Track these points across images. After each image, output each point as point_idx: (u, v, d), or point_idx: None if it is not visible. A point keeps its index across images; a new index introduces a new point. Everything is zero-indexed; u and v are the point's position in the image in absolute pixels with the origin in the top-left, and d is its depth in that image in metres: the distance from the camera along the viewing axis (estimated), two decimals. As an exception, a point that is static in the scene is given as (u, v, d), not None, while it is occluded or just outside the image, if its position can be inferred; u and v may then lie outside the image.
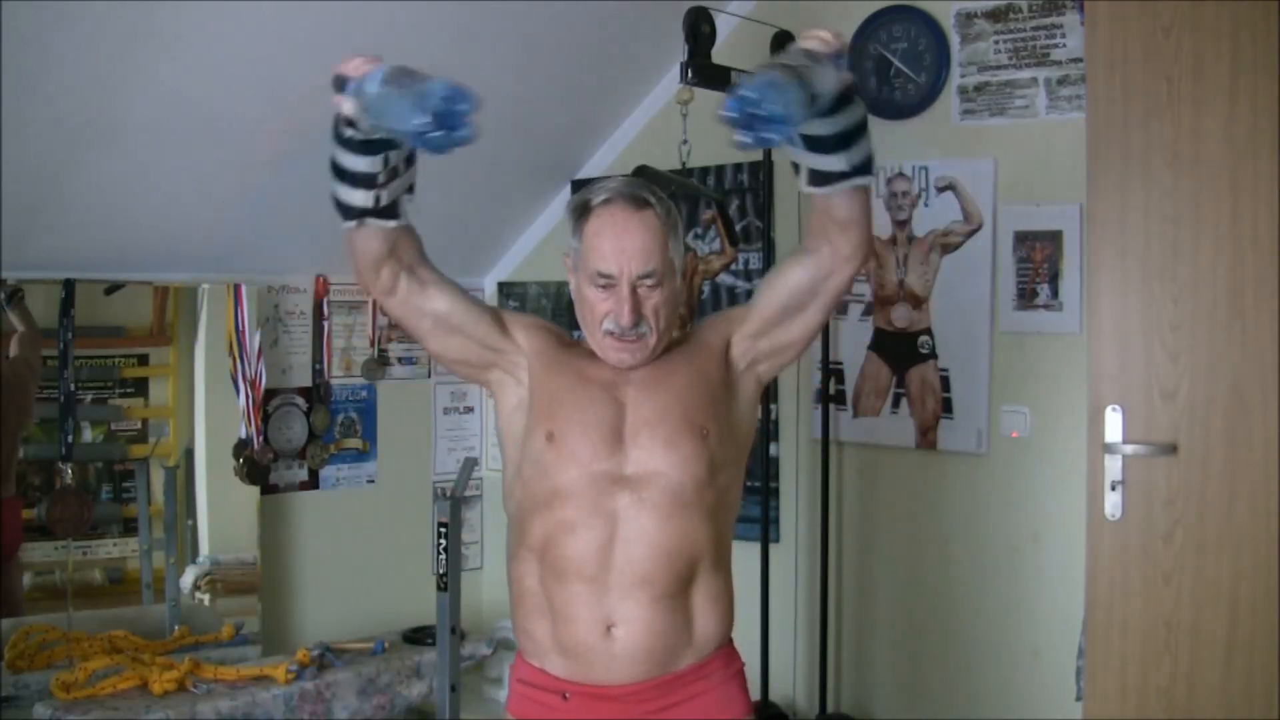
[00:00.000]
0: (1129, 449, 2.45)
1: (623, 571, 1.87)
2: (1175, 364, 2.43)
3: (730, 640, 2.01)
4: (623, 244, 1.88)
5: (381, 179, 1.76)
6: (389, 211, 1.80)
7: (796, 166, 1.78)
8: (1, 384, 3.20)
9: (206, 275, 3.56)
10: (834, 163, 1.73)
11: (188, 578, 3.57)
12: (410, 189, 1.83)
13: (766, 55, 3.38)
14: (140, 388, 3.52)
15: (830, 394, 3.45)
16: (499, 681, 3.92)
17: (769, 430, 3.53)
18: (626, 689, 1.89)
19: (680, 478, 1.89)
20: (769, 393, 3.51)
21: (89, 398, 3.38)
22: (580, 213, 1.94)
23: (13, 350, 3.23)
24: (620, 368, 1.94)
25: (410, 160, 1.80)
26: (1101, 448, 2.48)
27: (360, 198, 1.78)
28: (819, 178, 1.76)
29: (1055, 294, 3.12)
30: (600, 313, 1.91)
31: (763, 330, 1.97)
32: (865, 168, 1.76)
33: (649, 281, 1.89)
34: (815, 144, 1.71)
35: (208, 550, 3.62)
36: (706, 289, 3.72)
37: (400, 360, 4.07)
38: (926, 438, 3.34)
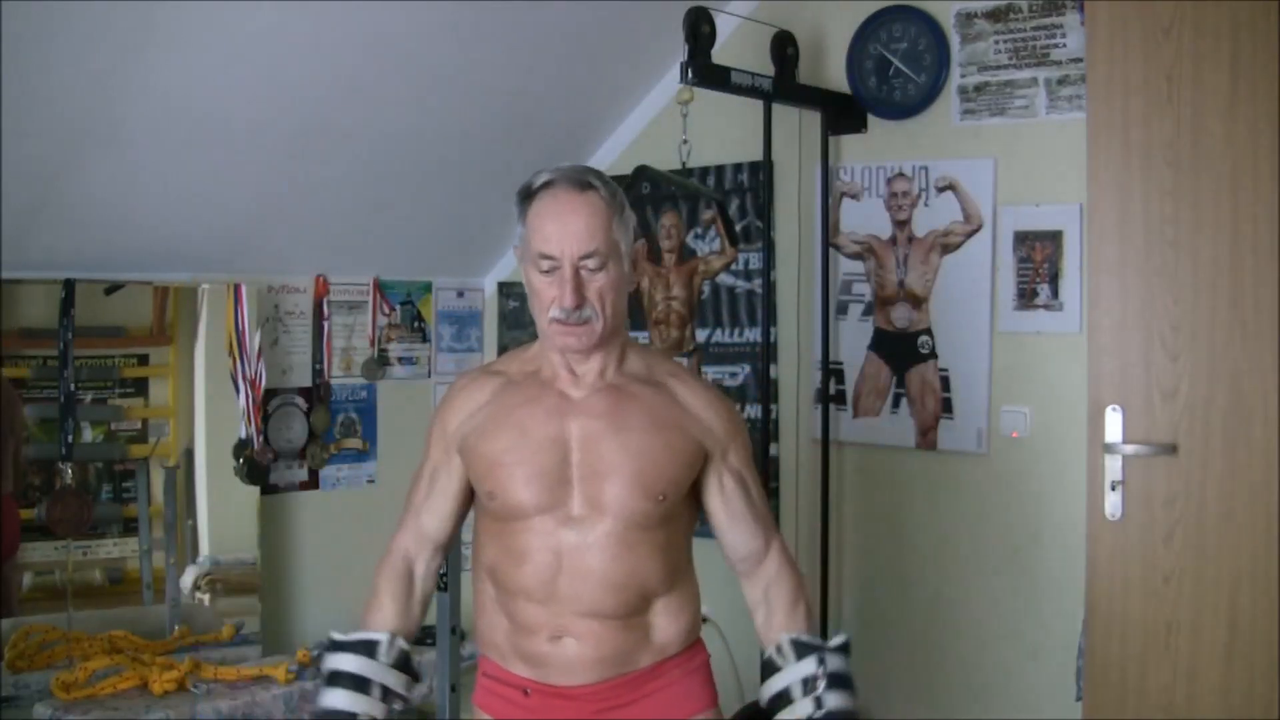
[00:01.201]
0: (1129, 449, 2.45)
1: (571, 599, 1.87)
2: (1175, 364, 2.43)
3: (698, 639, 2.02)
4: (565, 225, 1.84)
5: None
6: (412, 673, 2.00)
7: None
8: (1, 384, 3.20)
9: (206, 275, 3.56)
10: None
11: (188, 578, 3.57)
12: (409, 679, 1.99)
13: (767, 55, 3.38)
14: (140, 388, 3.52)
15: (830, 394, 3.45)
16: (499, 681, 3.92)
17: (769, 430, 3.53)
18: (583, 689, 1.91)
19: (627, 525, 1.87)
20: (768, 394, 3.51)
21: (89, 398, 3.38)
22: (525, 197, 1.91)
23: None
24: (566, 353, 1.90)
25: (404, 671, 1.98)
26: (1101, 448, 2.48)
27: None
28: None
29: (1055, 294, 3.12)
30: (547, 300, 1.86)
31: (702, 495, 1.99)
32: None
33: (591, 263, 1.84)
34: None
35: (208, 550, 3.62)
36: (706, 289, 3.73)
37: (400, 360, 4.07)
38: (926, 438, 3.34)
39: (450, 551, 2.07)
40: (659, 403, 1.93)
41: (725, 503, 1.97)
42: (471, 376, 2.02)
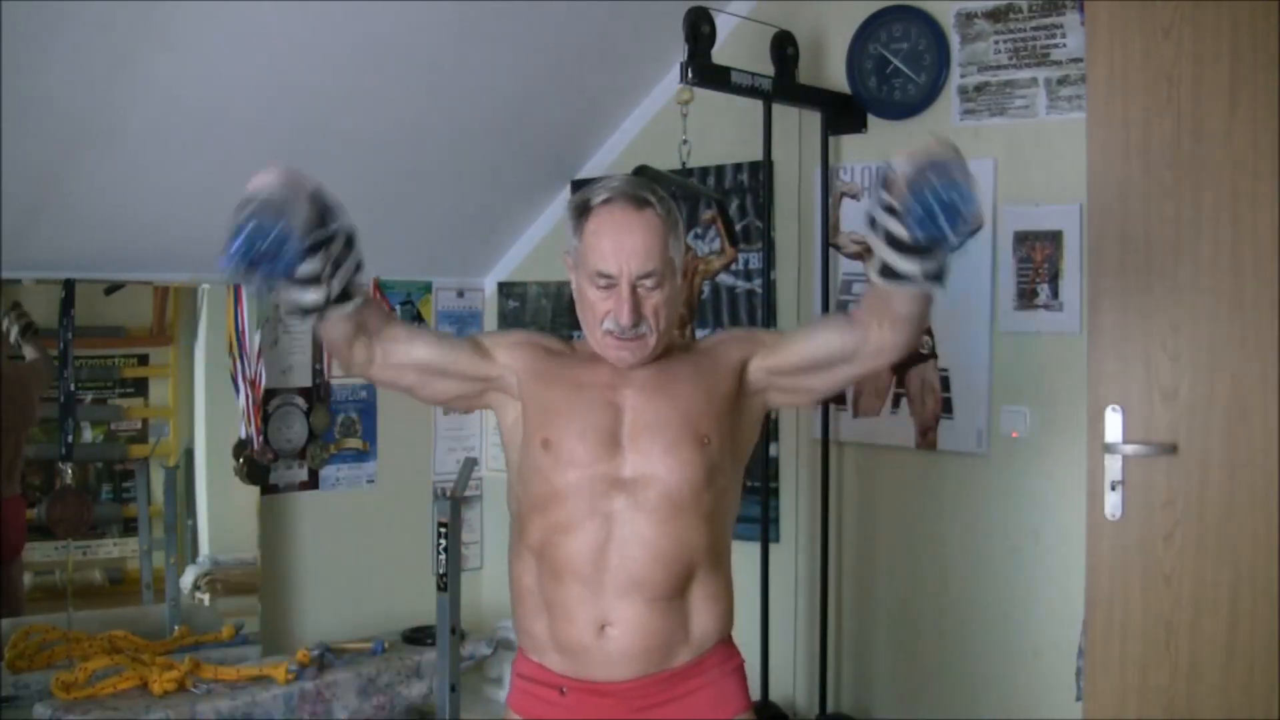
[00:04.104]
0: (1129, 449, 2.45)
1: (618, 572, 1.88)
2: (1175, 364, 2.43)
3: (729, 637, 2.02)
4: (622, 244, 1.87)
5: (327, 272, 1.78)
6: (344, 296, 1.81)
7: (867, 249, 1.78)
8: (3, 384, 3.20)
9: (206, 275, 3.56)
10: (908, 266, 1.71)
11: (188, 578, 3.57)
12: (359, 266, 1.84)
13: (767, 55, 3.38)
14: (140, 388, 3.52)
15: (830, 394, 3.46)
16: (499, 681, 3.92)
17: (769, 430, 3.53)
18: (622, 685, 1.91)
19: (678, 482, 1.89)
20: (769, 393, 3.51)
21: (89, 398, 3.38)
22: (581, 212, 1.93)
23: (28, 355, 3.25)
24: (620, 366, 1.94)
25: (349, 243, 1.82)
26: (1101, 448, 2.48)
27: (312, 297, 1.78)
28: (889, 272, 1.74)
29: (1055, 294, 3.12)
30: (600, 312, 1.90)
31: (784, 371, 1.98)
32: (938, 276, 1.74)
33: (649, 282, 1.88)
34: (895, 242, 1.71)
35: (208, 550, 3.62)
36: (706, 289, 3.72)
37: (400, 360, 4.07)
38: (926, 438, 3.34)
39: (388, 360, 1.94)
40: (695, 361, 2.00)
41: (797, 347, 1.98)
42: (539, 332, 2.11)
